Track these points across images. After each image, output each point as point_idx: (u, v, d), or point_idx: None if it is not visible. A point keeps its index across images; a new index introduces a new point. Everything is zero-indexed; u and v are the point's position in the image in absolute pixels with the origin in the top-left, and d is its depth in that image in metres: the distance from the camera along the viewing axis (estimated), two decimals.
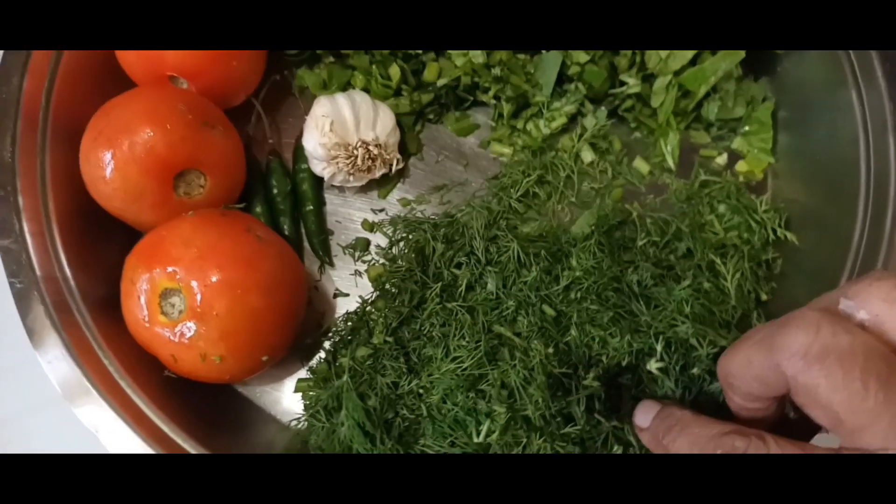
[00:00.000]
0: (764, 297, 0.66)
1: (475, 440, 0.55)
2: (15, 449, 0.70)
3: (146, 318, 0.57)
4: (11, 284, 0.57)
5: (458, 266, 0.64)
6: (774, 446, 0.37)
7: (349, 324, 0.67)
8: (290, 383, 0.67)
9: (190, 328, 0.55)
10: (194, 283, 0.55)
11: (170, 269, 0.56)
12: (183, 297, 0.56)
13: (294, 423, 0.63)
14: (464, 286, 0.62)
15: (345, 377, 0.60)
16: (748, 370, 0.41)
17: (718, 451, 0.40)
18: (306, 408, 0.63)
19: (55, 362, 0.56)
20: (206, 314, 0.55)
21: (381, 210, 0.73)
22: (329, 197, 0.73)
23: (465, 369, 0.57)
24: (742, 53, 0.69)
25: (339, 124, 0.66)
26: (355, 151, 0.67)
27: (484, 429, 0.55)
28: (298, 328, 0.63)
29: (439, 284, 0.62)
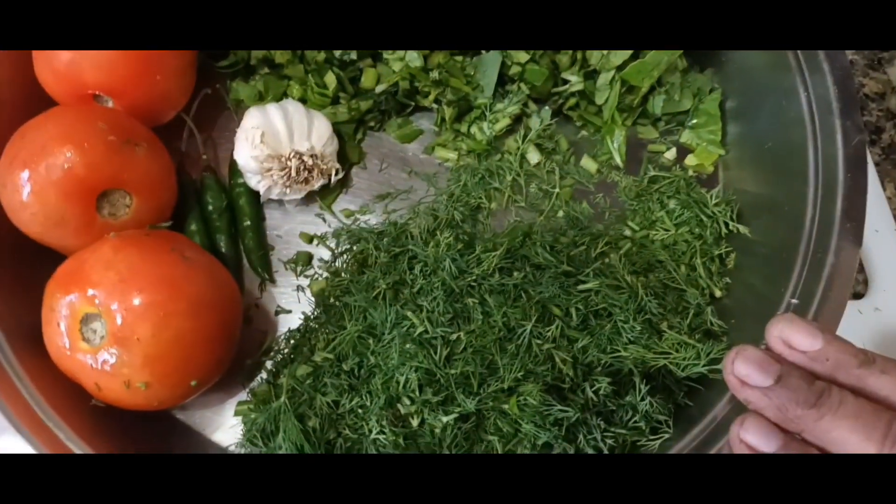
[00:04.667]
0: (718, 293, 0.64)
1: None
2: None
3: (67, 346, 0.54)
4: None
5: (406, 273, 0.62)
6: None
7: (292, 342, 0.65)
8: (230, 407, 0.64)
9: (112, 354, 0.53)
10: (115, 307, 0.53)
11: (90, 292, 0.53)
12: (104, 322, 0.53)
13: (234, 448, 0.61)
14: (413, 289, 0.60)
15: (282, 398, 0.58)
16: None
17: None
18: (244, 433, 0.60)
19: None
20: (127, 339, 0.52)
21: (325, 222, 0.70)
22: (269, 211, 0.70)
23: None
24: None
25: (270, 135, 0.64)
26: (289, 163, 0.64)
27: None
28: (234, 350, 0.60)
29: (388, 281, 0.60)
